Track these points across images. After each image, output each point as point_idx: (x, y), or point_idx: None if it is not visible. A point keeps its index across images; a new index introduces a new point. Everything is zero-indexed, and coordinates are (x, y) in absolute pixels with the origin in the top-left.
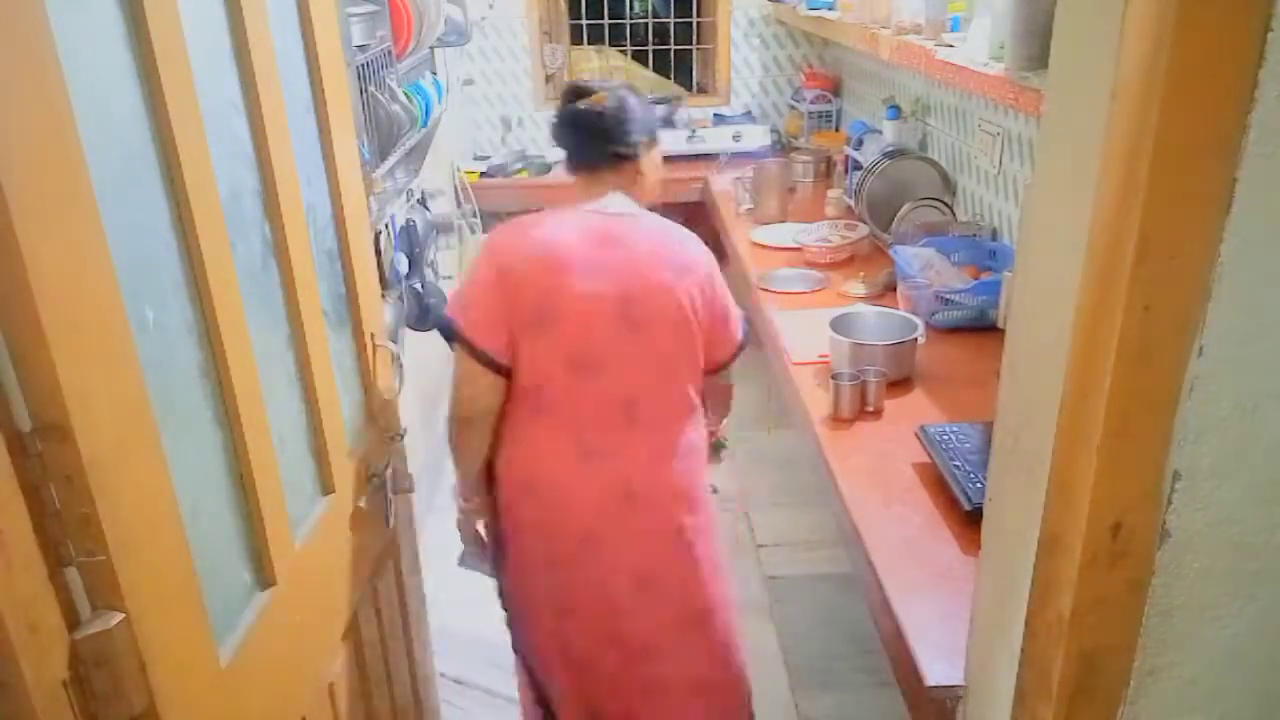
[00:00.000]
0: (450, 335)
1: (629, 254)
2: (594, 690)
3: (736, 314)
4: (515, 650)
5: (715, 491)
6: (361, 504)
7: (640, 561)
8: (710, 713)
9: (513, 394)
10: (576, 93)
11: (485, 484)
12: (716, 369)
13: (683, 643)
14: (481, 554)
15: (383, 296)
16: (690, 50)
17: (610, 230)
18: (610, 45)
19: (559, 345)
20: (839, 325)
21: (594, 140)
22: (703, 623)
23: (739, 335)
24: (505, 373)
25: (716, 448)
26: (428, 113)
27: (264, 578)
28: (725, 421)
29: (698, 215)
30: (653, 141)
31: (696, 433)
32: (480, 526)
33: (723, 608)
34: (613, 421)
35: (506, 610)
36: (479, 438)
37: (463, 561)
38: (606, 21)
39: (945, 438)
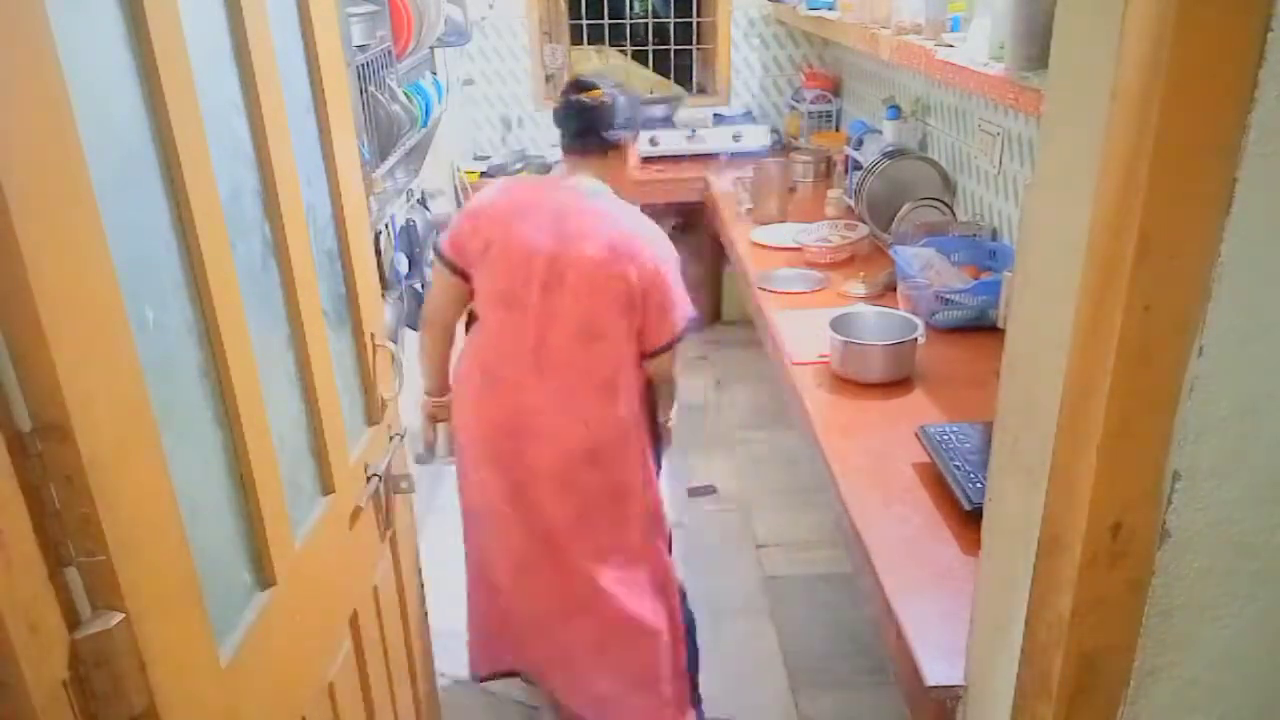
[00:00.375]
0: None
1: (578, 225)
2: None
3: (683, 311)
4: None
5: (714, 491)
6: (361, 504)
7: (550, 465)
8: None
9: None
10: (579, 86)
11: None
12: (650, 353)
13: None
14: (428, 451)
15: (383, 296)
16: (690, 50)
17: (572, 204)
18: (610, 45)
19: (494, 280)
20: (839, 325)
21: (585, 128)
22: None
23: (678, 328)
24: (463, 277)
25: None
26: (428, 113)
27: (264, 578)
28: (672, 412)
29: (698, 215)
30: (635, 136)
31: (625, 408)
32: (439, 429)
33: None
34: (521, 359)
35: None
36: (439, 340)
37: (417, 458)
38: (606, 21)
39: (945, 438)
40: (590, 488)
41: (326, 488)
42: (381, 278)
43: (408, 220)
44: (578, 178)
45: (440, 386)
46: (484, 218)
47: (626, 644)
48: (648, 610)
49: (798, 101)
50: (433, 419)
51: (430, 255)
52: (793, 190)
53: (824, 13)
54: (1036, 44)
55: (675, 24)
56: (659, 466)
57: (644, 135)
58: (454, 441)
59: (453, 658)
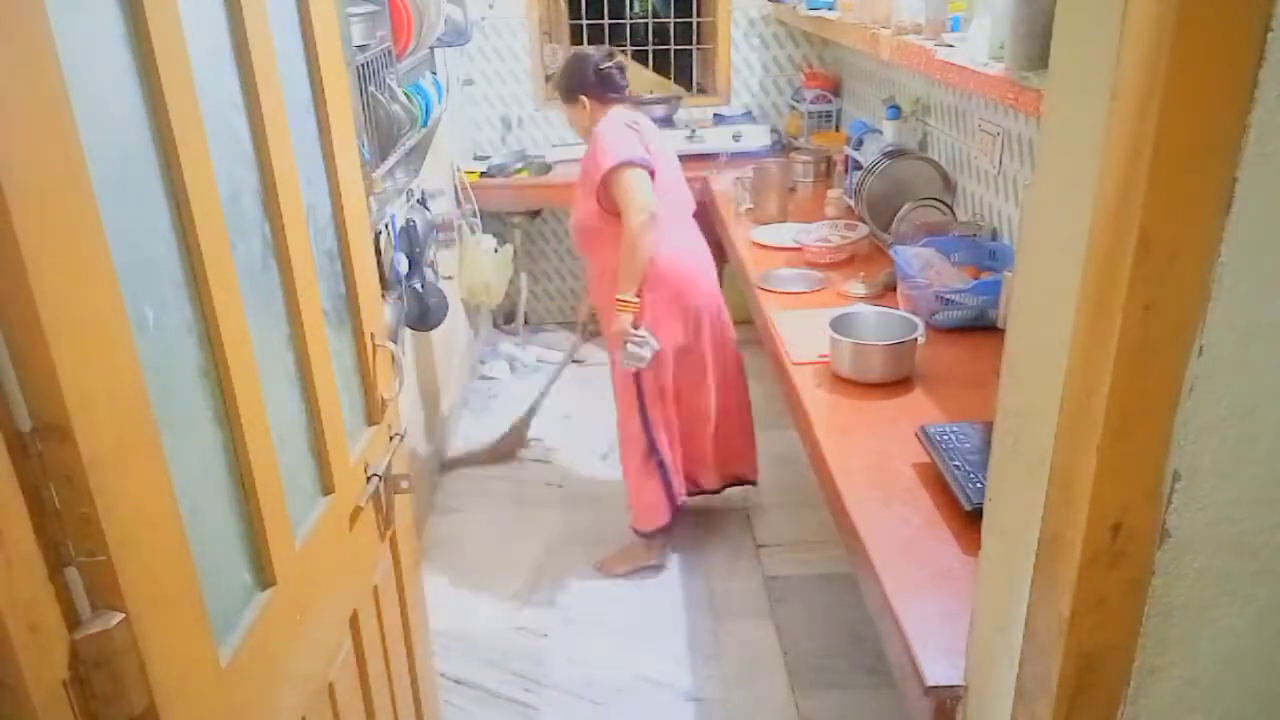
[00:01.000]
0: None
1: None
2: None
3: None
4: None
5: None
6: (361, 504)
7: None
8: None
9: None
10: (609, 54)
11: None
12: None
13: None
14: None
15: (383, 296)
16: (690, 50)
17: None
18: (610, 45)
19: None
20: (839, 325)
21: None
22: None
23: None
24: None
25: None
26: (428, 113)
27: (264, 578)
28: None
29: (698, 215)
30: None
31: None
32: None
33: None
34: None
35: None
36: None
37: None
38: (606, 21)
39: (945, 438)
40: None
41: (326, 488)
42: (381, 278)
43: (408, 220)
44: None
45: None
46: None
47: None
48: None
49: (798, 101)
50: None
51: (430, 255)
52: (793, 190)
53: (824, 13)
54: (1036, 44)
55: (675, 24)
56: None
57: None
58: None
59: (453, 658)
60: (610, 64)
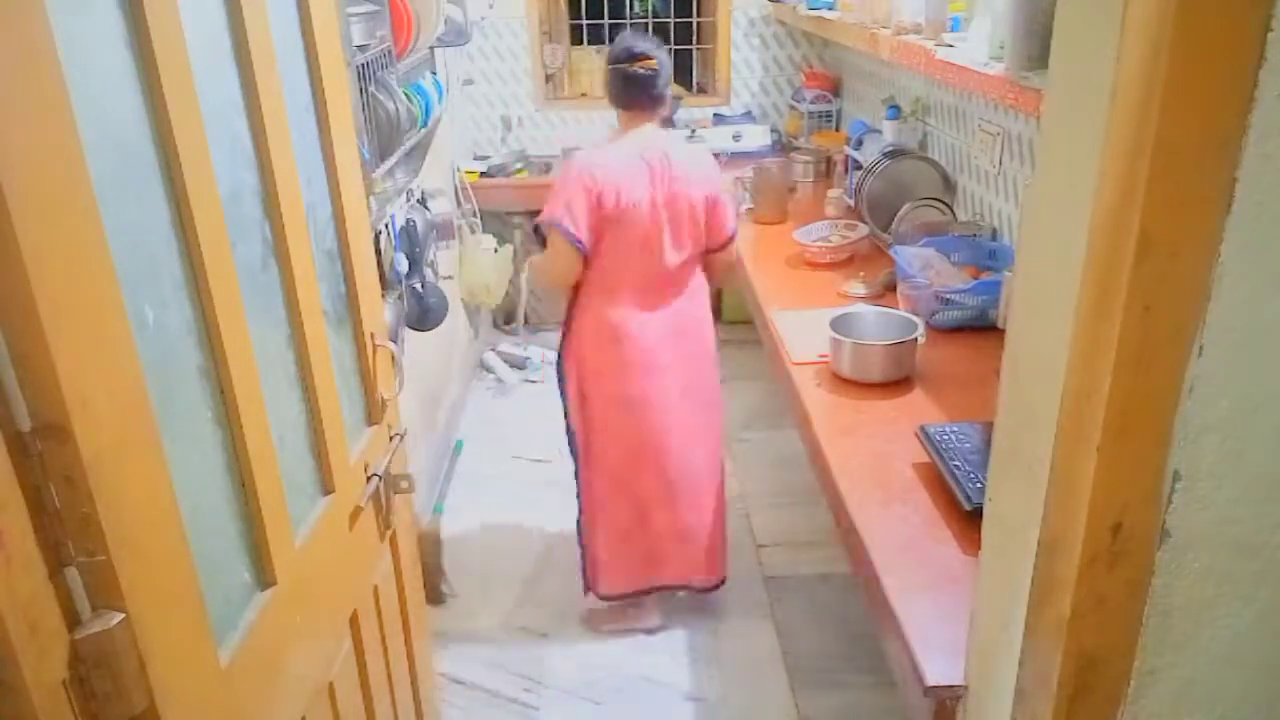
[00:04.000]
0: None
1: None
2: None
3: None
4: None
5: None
6: (361, 504)
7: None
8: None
9: None
10: (633, 56)
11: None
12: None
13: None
14: None
15: (383, 296)
16: (690, 50)
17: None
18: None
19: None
20: (839, 325)
21: (643, 92)
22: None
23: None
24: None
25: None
26: (428, 113)
27: (264, 578)
28: None
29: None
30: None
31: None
32: None
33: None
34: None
35: None
36: None
37: None
38: (606, 21)
39: (945, 438)
40: None
41: (326, 488)
42: (381, 278)
43: (408, 220)
44: (642, 129)
45: None
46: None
47: None
48: None
49: (798, 101)
50: None
51: (430, 255)
52: (793, 190)
53: (824, 13)
54: (1036, 44)
55: (675, 24)
56: None
57: None
58: None
59: (453, 658)
60: (622, 64)
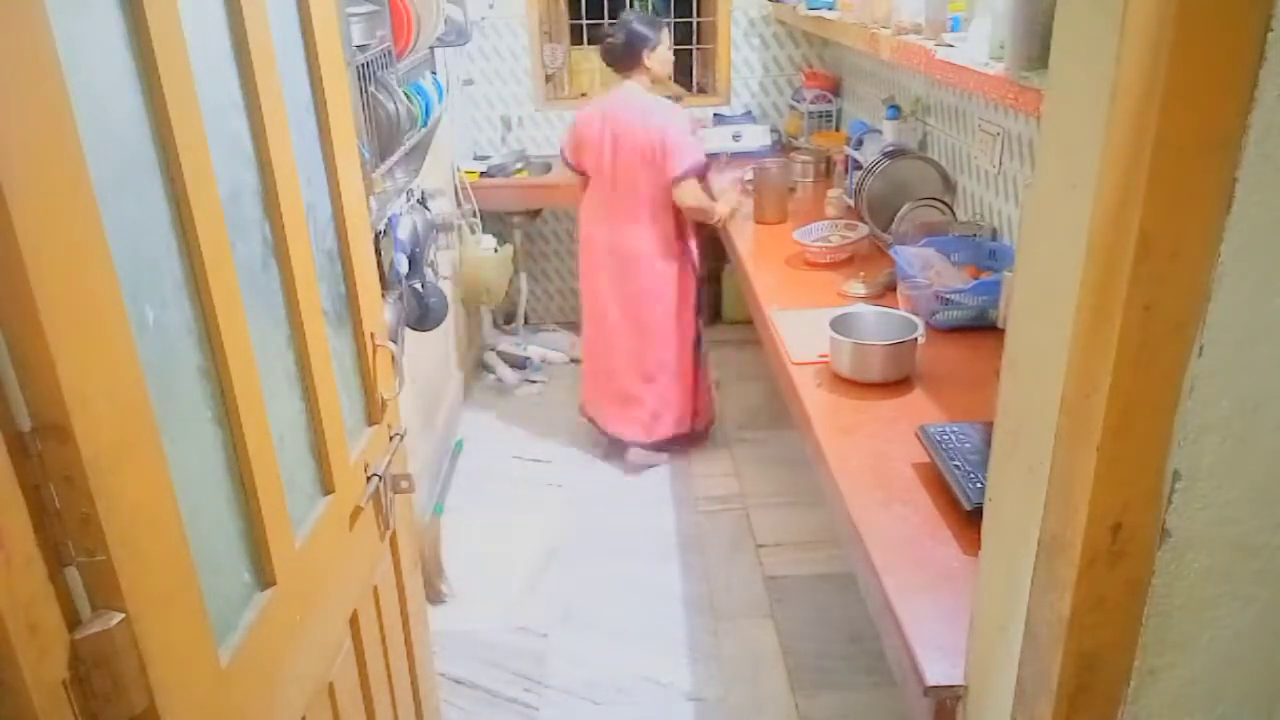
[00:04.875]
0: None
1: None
2: None
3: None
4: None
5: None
6: (361, 504)
7: None
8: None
9: None
10: (607, 32)
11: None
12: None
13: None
14: None
15: (383, 296)
16: (690, 50)
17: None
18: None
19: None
20: (839, 325)
21: (611, 60)
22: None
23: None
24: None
25: None
26: (428, 113)
27: (264, 578)
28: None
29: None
30: (651, 41)
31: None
32: None
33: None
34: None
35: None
36: None
37: None
38: (606, 21)
39: (945, 438)
40: None
41: (326, 488)
42: (381, 278)
43: (408, 220)
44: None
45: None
46: None
47: None
48: None
49: (798, 101)
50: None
51: (430, 255)
52: (793, 190)
53: (824, 13)
54: (1036, 44)
55: (675, 24)
56: None
57: None
58: None
59: (453, 658)
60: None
